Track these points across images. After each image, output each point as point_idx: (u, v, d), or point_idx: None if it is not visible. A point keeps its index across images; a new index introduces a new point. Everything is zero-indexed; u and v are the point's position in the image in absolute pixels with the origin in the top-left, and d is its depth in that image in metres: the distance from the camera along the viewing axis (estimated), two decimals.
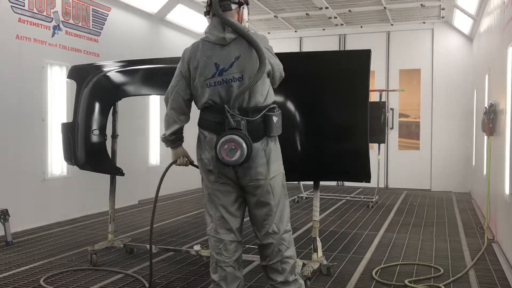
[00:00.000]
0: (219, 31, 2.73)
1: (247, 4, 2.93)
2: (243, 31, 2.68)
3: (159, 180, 3.09)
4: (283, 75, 2.91)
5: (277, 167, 2.83)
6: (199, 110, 2.85)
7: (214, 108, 2.72)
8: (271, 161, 2.77)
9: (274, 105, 2.78)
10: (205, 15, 2.92)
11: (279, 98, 3.28)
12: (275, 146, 2.82)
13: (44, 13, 6.16)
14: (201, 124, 2.82)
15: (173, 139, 2.94)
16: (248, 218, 2.89)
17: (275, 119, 2.73)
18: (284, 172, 2.89)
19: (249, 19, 2.99)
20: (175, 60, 4.54)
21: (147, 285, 3.75)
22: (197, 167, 2.97)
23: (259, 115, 2.69)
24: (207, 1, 2.86)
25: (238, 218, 2.85)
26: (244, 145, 2.56)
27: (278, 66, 2.84)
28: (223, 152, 2.57)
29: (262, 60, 2.63)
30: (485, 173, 6.21)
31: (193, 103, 2.89)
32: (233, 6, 2.82)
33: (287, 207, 2.90)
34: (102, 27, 7.24)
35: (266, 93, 2.75)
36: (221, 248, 2.81)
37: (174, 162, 3.06)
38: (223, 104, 2.68)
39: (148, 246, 4.48)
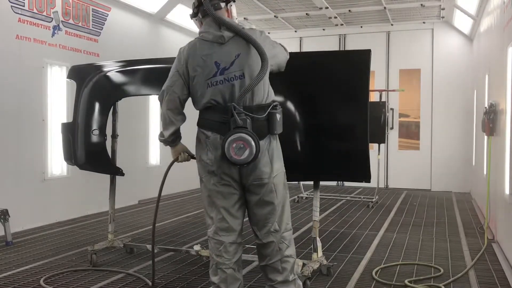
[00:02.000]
0: (216, 29, 2.72)
1: (234, 1, 2.93)
2: (241, 30, 2.69)
3: (162, 180, 3.08)
4: (288, 56, 2.98)
5: (279, 166, 2.82)
6: (198, 111, 2.82)
7: (216, 107, 2.69)
8: (274, 160, 2.76)
9: (276, 103, 2.77)
10: (191, 18, 2.92)
11: (280, 98, 3.28)
12: (277, 145, 2.81)
13: (44, 13, 6.16)
14: (203, 124, 2.78)
15: (172, 139, 2.92)
16: (247, 218, 2.88)
17: (278, 116, 2.72)
18: (284, 170, 2.88)
19: (238, 17, 3.02)
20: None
21: (149, 283, 3.76)
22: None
23: (265, 114, 2.67)
24: (194, 2, 2.87)
25: (239, 220, 2.83)
26: (253, 143, 2.55)
27: (282, 53, 2.90)
28: (232, 151, 2.55)
29: (264, 59, 2.62)
30: (485, 173, 6.21)
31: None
32: (222, 5, 2.84)
33: (288, 206, 2.89)
34: (102, 27, 7.24)
35: (267, 91, 2.75)
36: (221, 250, 2.79)
37: (176, 160, 3.04)
38: (225, 103, 2.66)
39: (147, 246, 4.49)
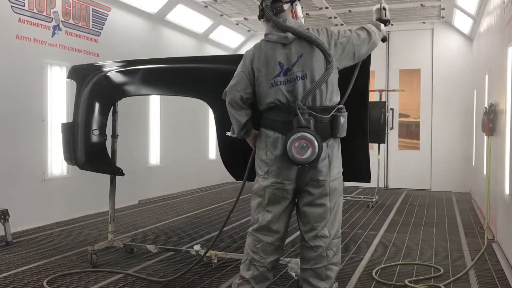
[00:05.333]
0: (280, 30, 2.74)
1: (299, 0, 2.92)
2: (303, 33, 2.69)
3: (246, 169, 3.04)
4: (368, 45, 2.92)
5: (338, 170, 2.82)
6: (262, 111, 2.83)
7: (279, 107, 2.71)
8: (333, 163, 2.75)
9: (342, 106, 2.76)
10: (259, 19, 2.91)
11: None
12: (338, 149, 2.81)
13: (44, 13, 6.16)
14: (265, 124, 2.79)
15: (244, 133, 2.92)
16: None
17: (342, 119, 2.72)
18: (342, 177, 2.87)
19: (303, 15, 3.00)
20: (175, 60, 4.58)
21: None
22: None
23: (329, 115, 2.68)
24: (259, 6, 2.88)
25: (284, 223, 2.83)
26: (316, 143, 2.55)
27: (352, 42, 2.81)
28: (294, 149, 2.55)
29: (328, 60, 2.63)
30: (485, 173, 6.21)
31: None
32: (286, 6, 2.83)
33: (340, 212, 2.86)
34: (102, 27, 7.24)
35: (332, 93, 2.74)
36: (258, 247, 2.79)
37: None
38: (288, 103, 2.67)
39: (147, 246, 4.49)
